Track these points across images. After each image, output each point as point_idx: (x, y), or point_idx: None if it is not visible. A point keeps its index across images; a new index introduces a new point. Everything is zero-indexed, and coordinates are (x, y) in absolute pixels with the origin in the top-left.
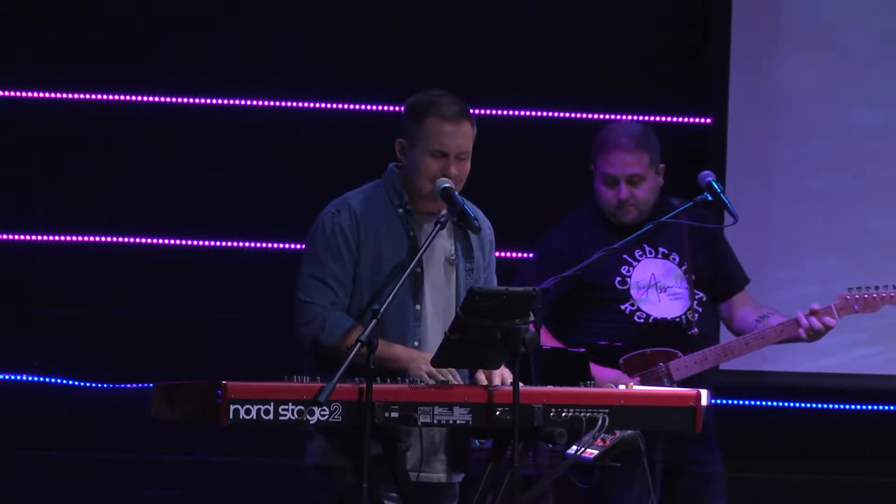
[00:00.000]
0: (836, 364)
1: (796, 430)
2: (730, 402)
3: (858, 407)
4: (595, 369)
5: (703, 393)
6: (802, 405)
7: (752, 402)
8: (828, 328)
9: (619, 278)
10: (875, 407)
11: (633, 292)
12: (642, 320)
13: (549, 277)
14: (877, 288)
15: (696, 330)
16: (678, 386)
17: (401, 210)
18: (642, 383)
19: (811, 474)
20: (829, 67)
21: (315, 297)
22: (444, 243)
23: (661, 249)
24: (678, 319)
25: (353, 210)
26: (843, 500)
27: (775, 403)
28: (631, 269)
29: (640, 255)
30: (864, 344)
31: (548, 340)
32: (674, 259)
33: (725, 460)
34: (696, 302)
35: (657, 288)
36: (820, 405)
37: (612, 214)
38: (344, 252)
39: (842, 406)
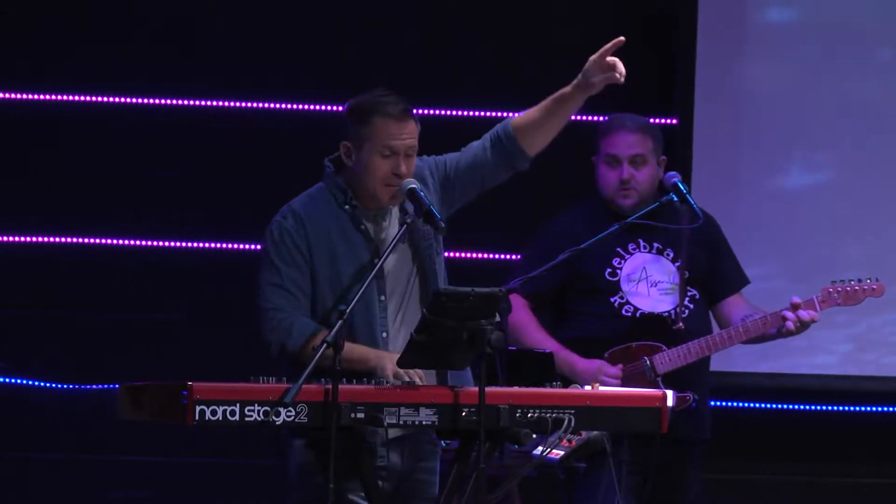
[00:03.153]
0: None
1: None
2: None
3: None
4: (578, 361)
5: (669, 394)
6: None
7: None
8: (812, 320)
9: (609, 269)
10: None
11: (622, 285)
12: (629, 314)
13: (541, 266)
14: (859, 280)
15: (681, 325)
16: (661, 380)
17: (347, 206)
18: (627, 377)
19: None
20: (794, 68)
21: (278, 303)
22: (393, 230)
23: (655, 245)
24: (665, 314)
25: (299, 214)
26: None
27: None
28: (623, 261)
29: (634, 249)
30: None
31: (536, 333)
32: (668, 255)
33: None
34: (687, 299)
35: (648, 282)
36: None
37: (612, 199)
38: (297, 257)
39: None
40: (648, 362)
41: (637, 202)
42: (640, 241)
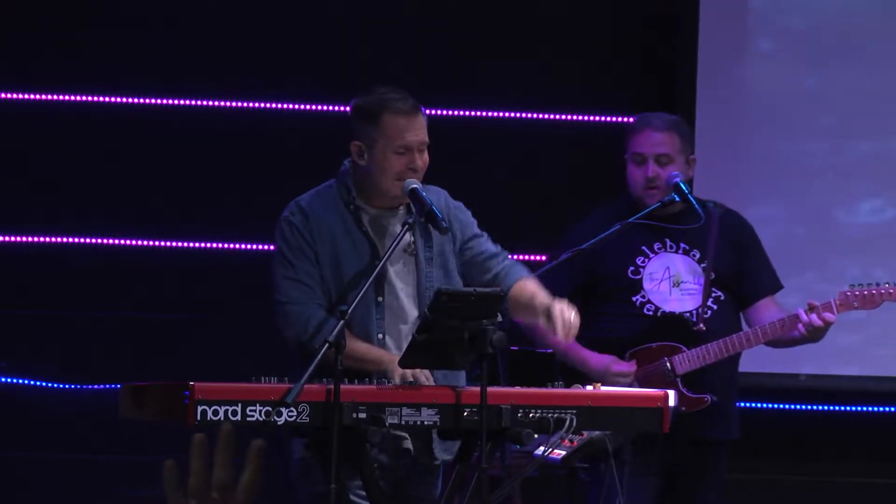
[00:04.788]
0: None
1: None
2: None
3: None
4: (591, 356)
5: (671, 394)
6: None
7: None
8: (828, 324)
9: (632, 268)
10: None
11: (645, 283)
12: (651, 313)
13: (568, 268)
14: (877, 284)
15: (702, 326)
16: (681, 380)
17: (351, 206)
18: (646, 377)
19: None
20: (796, 67)
21: (294, 297)
22: (397, 233)
23: (682, 245)
24: (686, 315)
25: (305, 211)
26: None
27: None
28: (647, 260)
29: (659, 249)
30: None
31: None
32: (694, 255)
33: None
34: (711, 300)
35: (671, 281)
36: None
37: (640, 198)
38: (308, 252)
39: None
40: (668, 363)
41: (661, 199)
42: (667, 240)
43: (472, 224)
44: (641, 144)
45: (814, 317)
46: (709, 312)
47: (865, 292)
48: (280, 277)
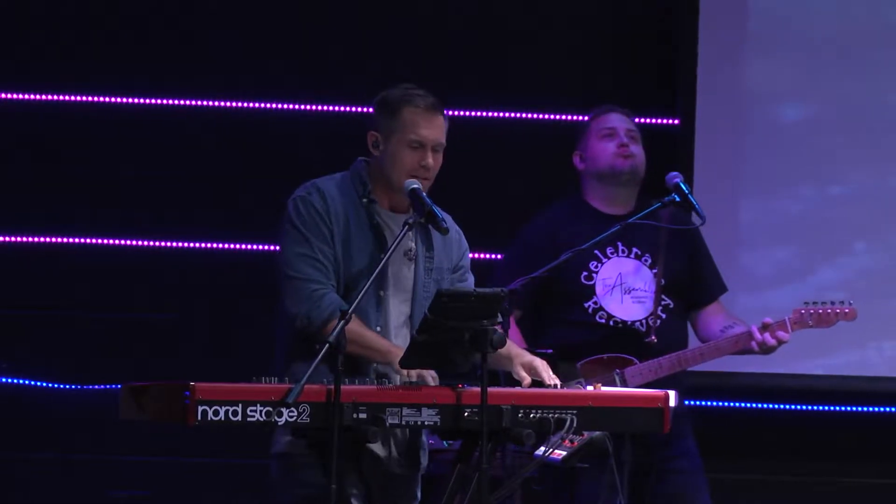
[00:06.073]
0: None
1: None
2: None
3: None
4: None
5: (672, 394)
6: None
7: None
8: (781, 342)
9: (585, 273)
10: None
11: (597, 289)
12: (603, 321)
13: (523, 270)
14: (832, 303)
15: (654, 338)
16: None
17: (364, 200)
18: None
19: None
20: (795, 68)
21: (309, 274)
22: (406, 239)
23: (634, 250)
24: (638, 324)
25: (322, 192)
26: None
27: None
28: (599, 265)
29: (612, 253)
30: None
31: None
32: (646, 261)
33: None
34: (660, 308)
35: (622, 288)
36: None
37: (610, 167)
38: (325, 231)
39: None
40: (620, 374)
41: (633, 167)
42: (619, 244)
43: (466, 255)
44: (610, 121)
45: (767, 336)
46: (658, 322)
47: (820, 311)
48: (292, 254)
